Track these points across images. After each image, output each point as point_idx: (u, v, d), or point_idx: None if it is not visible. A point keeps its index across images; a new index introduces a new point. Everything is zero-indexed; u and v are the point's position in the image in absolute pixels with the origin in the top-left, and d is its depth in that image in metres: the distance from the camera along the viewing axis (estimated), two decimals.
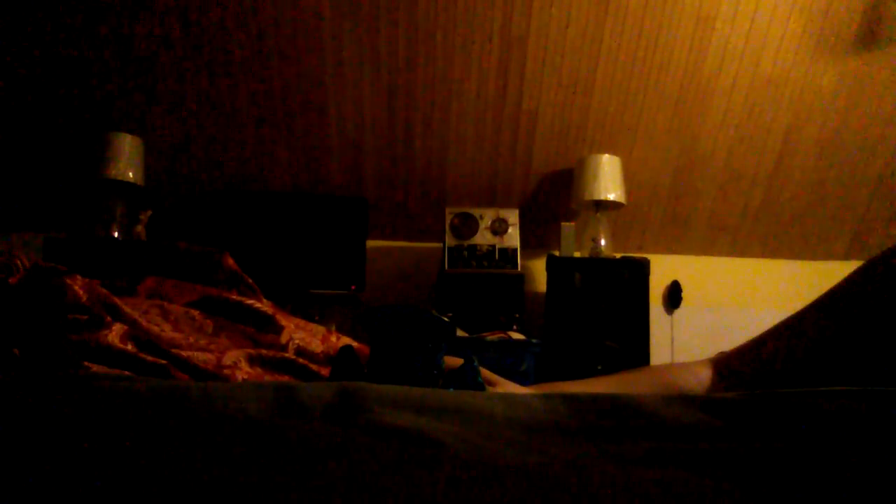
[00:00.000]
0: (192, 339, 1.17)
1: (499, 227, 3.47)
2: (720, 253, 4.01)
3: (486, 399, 0.39)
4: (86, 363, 0.98)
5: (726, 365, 0.85)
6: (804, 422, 0.37)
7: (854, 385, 0.68)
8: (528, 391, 0.74)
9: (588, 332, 3.27)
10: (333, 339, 1.37)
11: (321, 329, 1.40)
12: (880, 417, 0.37)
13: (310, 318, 1.66)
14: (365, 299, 3.48)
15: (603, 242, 3.51)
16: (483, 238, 3.45)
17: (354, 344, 1.15)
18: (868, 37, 3.34)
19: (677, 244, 3.97)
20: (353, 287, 3.43)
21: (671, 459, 0.35)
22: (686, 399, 0.40)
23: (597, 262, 3.44)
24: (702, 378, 0.83)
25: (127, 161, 3.31)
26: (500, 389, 0.73)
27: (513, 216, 3.50)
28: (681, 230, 3.92)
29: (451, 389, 0.67)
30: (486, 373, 0.79)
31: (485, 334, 3.11)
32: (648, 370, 0.86)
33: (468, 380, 0.74)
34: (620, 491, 0.33)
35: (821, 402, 0.38)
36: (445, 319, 0.78)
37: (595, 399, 0.40)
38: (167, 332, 1.17)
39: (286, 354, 1.21)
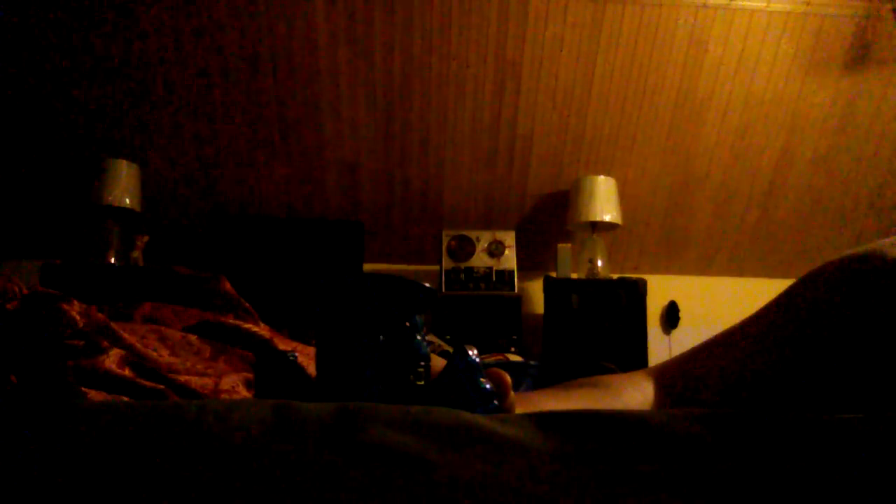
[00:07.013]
0: (189, 364, 1.17)
1: (495, 250, 3.47)
2: (717, 272, 4.02)
3: (484, 416, 0.39)
4: (83, 389, 0.98)
5: (669, 376, 0.83)
6: (811, 443, 0.37)
7: (800, 395, 0.68)
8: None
9: (586, 352, 3.26)
10: None
11: None
12: (883, 441, 0.36)
13: (307, 343, 1.66)
14: None
15: (599, 263, 3.51)
16: (480, 260, 3.45)
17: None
18: (859, 57, 3.38)
19: (674, 264, 3.97)
20: None
21: (681, 484, 0.35)
22: (693, 416, 0.39)
23: (594, 284, 3.44)
24: (646, 391, 0.82)
25: (123, 187, 3.32)
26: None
27: (509, 238, 3.51)
28: (677, 250, 3.93)
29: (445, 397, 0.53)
30: (501, 376, 0.60)
31: (482, 356, 3.10)
32: (599, 382, 0.83)
33: (465, 387, 0.52)
34: None
35: (828, 423, 0.38)
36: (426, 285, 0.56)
37: (599, 420, 0.40)
38: (165, 356, 1.16)
39: None
